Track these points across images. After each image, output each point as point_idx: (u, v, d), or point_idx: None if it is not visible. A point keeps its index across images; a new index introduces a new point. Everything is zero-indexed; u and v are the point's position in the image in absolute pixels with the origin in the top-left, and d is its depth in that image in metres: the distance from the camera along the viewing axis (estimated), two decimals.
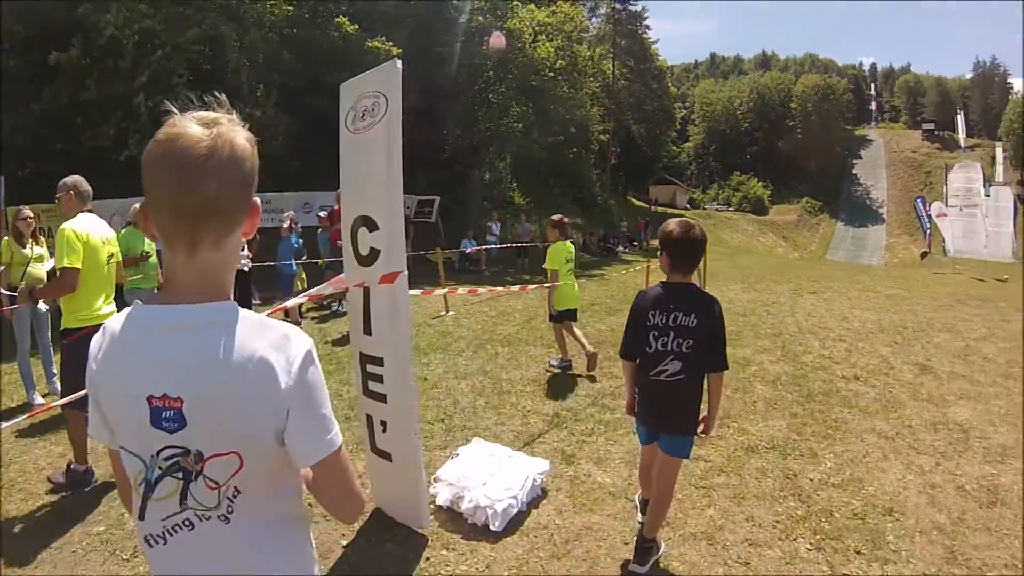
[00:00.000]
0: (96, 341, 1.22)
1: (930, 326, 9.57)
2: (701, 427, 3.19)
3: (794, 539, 3.60)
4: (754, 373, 6.79)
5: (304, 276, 11.64)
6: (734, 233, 52.28)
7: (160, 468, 1.16)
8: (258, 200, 1.24)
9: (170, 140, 1.10)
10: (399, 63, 3.32)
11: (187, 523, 1.19)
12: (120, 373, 1.17)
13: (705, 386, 3.15)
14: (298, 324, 9.17)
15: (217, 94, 1.22)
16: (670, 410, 3.15)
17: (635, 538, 3.39)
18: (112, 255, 4.25)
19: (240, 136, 1.17)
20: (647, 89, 53.80)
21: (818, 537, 3.62)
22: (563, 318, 6.89)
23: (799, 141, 78.41)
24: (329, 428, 1.23)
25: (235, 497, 1.19)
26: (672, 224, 3.14)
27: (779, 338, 8.55)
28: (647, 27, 54.80)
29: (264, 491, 1.23)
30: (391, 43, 18.97)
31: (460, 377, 6.57)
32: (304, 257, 11.49)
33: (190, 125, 1.12)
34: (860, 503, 4.01)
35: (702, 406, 3.20)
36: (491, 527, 3.56)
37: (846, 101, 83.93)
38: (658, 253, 3.25)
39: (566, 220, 7.21)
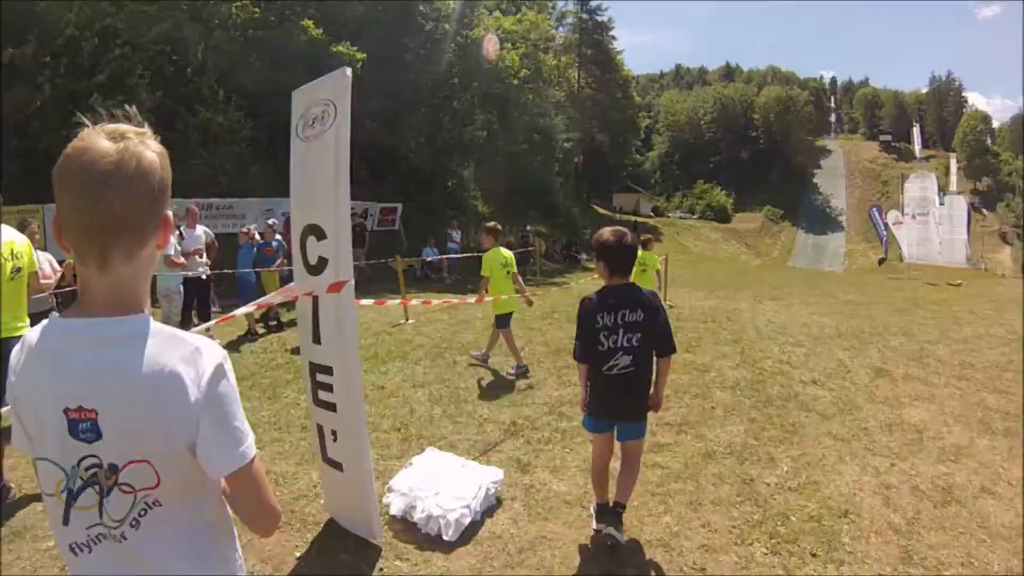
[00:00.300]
0: (15, 353, 1.24)
1: (886, 330, 9.76)
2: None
3: (750, 544, 3.60)
4: (713, 379, 6.82)
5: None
6: (697, 241, 52.98)
7: (82, 478, 1.18)
8: (170, 213, 1.25)
9: (77, 155, 1.10)
10: (348, 71, 3.32)
11: (108, 534, 1.21)
12: (38, 385, 1.19)
13: (654, 370, 3.47)
14: (255, 334, 8.96)
15: (128, 107, 1.23)
16: (625, 400, 3.41)
17: (603, 514, 3.55)
18: (19, 268, 3.96)
19: (148, 150, 1.17)
20: (612, 98, 54.42)
21: (774, 541, 3.61)
22: (505, 323, 6.99)
23: (761, 151, 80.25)
24: (241, 440, 1.25)
25: (153, 505, 1.21)
26: (606, 233, 3.41)
27: (739, 344, 8.61)
28: (613, 37, 55.62)
29: (182, 500, 1.25)
30: (356, 48, 18.77)
31: (417, 386, 6.46)
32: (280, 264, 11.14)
33: (98, 139, 1.11)
34: (816, 506, 4.03)
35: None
36: (444, 537, 3.49)
37: (807, 113, 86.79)
38: (595, 261, 3.53)
39: (499, 227, 7.31)
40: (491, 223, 7.26)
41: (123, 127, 1.17)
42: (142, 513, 1.21)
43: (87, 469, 1.18)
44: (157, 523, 1.22)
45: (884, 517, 3.90)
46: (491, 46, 23.11)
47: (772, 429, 5.36)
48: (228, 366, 1.26)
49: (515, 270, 7.16)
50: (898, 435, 5.23)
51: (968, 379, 6.91)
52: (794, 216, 71.04)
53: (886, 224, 45.39)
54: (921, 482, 4.40)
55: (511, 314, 7.13)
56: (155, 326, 1.20)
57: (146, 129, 1.21)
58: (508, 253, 7.21)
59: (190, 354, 1.19)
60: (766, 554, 3.49)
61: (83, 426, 1.15)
